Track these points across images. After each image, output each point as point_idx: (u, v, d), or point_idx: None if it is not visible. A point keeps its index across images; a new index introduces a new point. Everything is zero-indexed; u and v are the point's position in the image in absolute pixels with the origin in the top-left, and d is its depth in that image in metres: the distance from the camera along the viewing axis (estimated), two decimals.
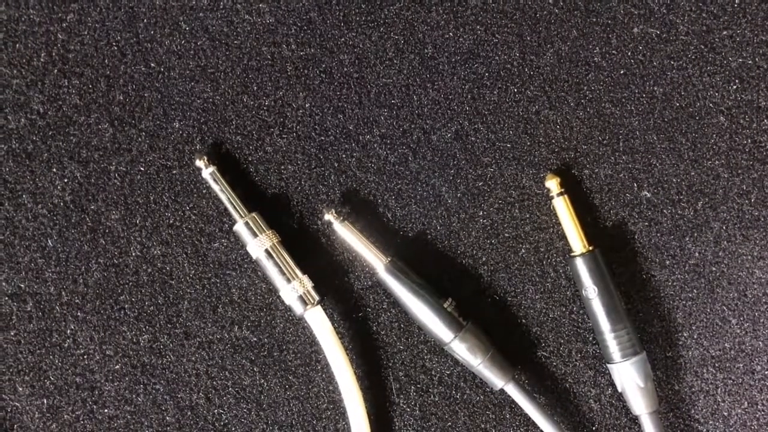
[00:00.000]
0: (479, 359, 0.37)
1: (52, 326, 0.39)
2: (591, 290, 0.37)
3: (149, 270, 0.39)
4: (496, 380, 0.38)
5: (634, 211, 0.40)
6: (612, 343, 0.37)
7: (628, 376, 0.37)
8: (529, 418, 0.38)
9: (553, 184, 0.38)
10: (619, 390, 0.38)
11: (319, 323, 0.38)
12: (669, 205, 0.40)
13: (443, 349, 0.38)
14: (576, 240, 0.38)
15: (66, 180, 0.39)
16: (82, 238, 0.39)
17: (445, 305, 0.37)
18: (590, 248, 0.38)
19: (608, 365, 0.38)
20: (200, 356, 0.39)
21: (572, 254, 0.38)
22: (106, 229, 0.39)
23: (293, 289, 0.37)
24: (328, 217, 0.38)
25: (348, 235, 0.38)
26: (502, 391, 0.38)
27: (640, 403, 0.38)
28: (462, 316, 0.38)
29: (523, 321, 0.40)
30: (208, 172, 0.38)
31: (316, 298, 0.38)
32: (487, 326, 0.39)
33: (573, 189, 0.39)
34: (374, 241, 0.38)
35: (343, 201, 0.40)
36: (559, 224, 0.39)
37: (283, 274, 0.37)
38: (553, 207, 0.39)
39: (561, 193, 0.38)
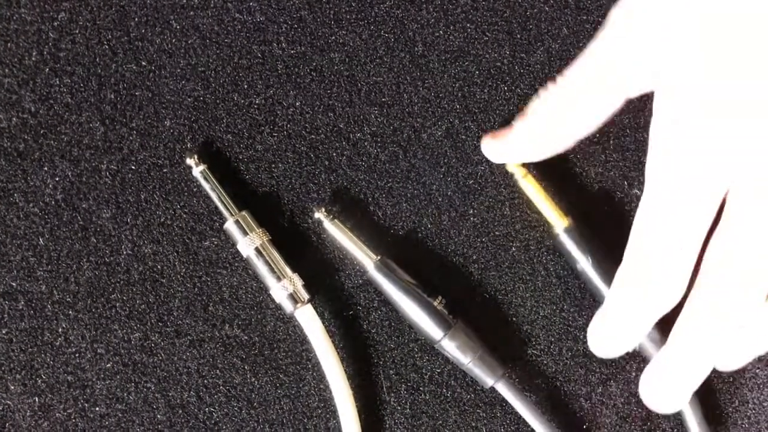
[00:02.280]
0: (469, 357, 0.37)
1: (44, 324, 0.39)
2: (584, 260, 0.37)
3: (140, 268, 0.39)
4: (487, 378, 0.38)
5: (626, 209, 0.40)
6: None
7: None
8: (520, 416, 0.38)
9: (515, 168, 0.38)
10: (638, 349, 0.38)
11: (310, 322, 0.38)
12: None
13: (434, 347, 0.38)
14: (554, 217, 0.38)
15: (57, 179, 0.39)
16: (74, 236, 0.39)
17: (435, 303, 0.37)
18: (570, 222, 0.38)
19: None
20: (191, 354, 0.39)
21: (555, 233, 0.38)
22: (98, 228, 0.39)
23: (283, 287, 0.37)
24: (318, 215, 0.38)
25: (338, 233, 0.38)
26: (492, 389, 0.38)
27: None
28: (452, 314, 0.38)
29: (514, 319, 0.40)
30: (198, 170, 0.38)
31: (306, 296, 0.38)
32: (477, 324, 0.39)
33: (563, 187, 0.39)
34: (364, 240, 0.38)
35: (334, 199, 0.40)
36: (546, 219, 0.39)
37: (274, 272, 0.37)
38: (522, 191, 0.39)
39: (525, 175, 0.38)
